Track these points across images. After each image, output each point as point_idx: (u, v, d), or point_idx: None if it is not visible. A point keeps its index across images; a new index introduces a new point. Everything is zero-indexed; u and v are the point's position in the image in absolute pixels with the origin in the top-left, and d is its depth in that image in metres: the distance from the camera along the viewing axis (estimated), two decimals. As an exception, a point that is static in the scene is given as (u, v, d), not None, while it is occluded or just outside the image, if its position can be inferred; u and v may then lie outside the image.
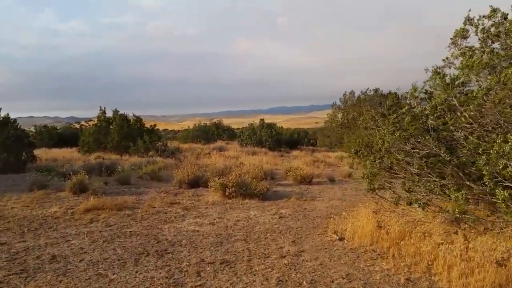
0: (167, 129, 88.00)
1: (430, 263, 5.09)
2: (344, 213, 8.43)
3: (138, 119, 25.58)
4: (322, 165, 18.17)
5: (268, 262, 5.57)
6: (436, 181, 5.85)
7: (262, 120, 33.99)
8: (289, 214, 8.66)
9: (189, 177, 11.66)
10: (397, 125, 6.18)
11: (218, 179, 10.62)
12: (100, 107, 26.30)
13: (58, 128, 39.30)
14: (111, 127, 24.63)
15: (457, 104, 5.74)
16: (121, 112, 25.60)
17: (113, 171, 13.81)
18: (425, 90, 7.13)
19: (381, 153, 6.72)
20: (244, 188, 10.10)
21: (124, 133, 24.00)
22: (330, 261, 5.57)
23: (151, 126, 27.00)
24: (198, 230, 7.29)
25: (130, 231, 7.27)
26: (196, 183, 11.82)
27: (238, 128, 54.36)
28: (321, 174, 14.93)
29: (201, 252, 6.03)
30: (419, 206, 5.68)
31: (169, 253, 6.03)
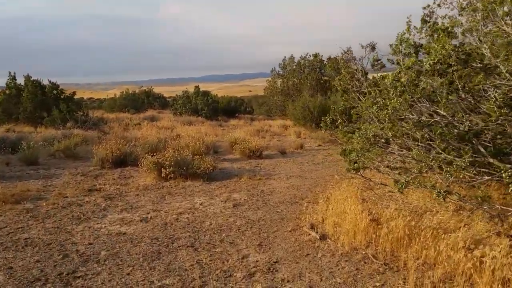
0: (92, 98, 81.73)
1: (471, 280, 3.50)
2: (310, 196, 6.76)
3: (55, 86, 22.04)
4: (268, 135, 16.48)
5: (231, 287, 3.70)
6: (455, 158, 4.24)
7: (197, 87, 31.48)
8: (244, 200, 6.80)
9: (114, 154, 9.34)
10: (403, 86, 4.43)
11: (151, 156, 8.46)
12: (9, 72, 22.38)
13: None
14: (22, 95, 21.00)
15: (490, 55, 4.08)
16: (35, 78, 21.92)
17: (19, 148, 11.01)
18: (413, 42, 5.46)
19: (375, 123, 5.00)
20: (184, 168, 8.06)
21: (38, 102, 20.53)
22: (321, 280, 3.82)
23: (70, 93, 23.59)
24: (124, 233, 5.20)
25: (25, 239, 5.02)
26: (123, 161, 9.55)
27: (170, 97, 51.11)
28: (269, 146, 13.21)
29: (128, 274, 4.01)
30: (438, 196, 4.03)
31: (78, 277, 3.95)
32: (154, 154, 8.73)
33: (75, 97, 23.53)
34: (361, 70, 6.00)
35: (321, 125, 6.48)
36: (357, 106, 6.11)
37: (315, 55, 28.23)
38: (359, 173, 5.55)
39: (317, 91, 25.32)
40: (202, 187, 7.70)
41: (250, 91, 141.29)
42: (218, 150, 12.42)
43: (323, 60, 28.27)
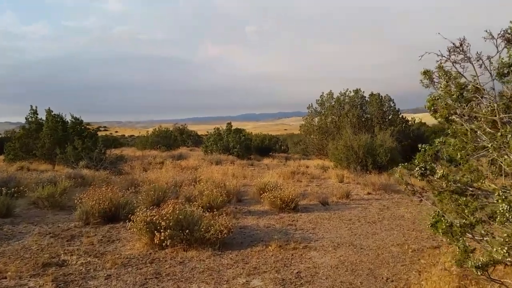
0: (124, 135, 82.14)
1: None
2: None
3: (78, 121, 20.53)
4: (304, 178, 13.84)
5: None
6: None
7: (229, 124, 29.46)
8: (270, 293, 4.20)
9: (102, 206, 6.99)
10: None
11: (150, 209, 6.07)
12: (31, 106, 21.11)
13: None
14: (42, 130, 19.53)
15: None
16: (56, 113, 20.50)
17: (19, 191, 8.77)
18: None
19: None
20: (187, 231, 5.59)
21: (58, 137, 18.92)
22: None
23: (93, 129, 22.02)
24: None
25: None
26: (115, 215, 7.18)
27: (205, 135, 49.60)
28: (307, 193, 10.59)
29: None
30: None
31: None
32: (155, 206, 6.35)
33: (108, 134, 21.99)
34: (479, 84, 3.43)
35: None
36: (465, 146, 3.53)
37: (356, 91, 25.70)
38: (487, 274, 2.96)
39: (358, 129, 22.57)
40: (209, 262, 5.14)
41: (286, 129, 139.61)
42: (242, 198, 9.89)
43: (365, 97, 25.69)
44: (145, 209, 6.14)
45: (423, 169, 3.54)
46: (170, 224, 5.60)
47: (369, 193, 10.91)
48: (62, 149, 16.42)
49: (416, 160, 3.67)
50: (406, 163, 4.05)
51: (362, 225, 7.33)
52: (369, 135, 15.78)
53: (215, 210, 7.70)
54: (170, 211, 5.77)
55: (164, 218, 5.62)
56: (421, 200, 4.14)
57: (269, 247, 5.72)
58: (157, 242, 5.45)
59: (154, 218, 5.67)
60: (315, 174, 15.02)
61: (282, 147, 41.14)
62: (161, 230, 5.48)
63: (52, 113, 20.22)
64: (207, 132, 33.15)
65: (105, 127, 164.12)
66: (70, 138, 18.84)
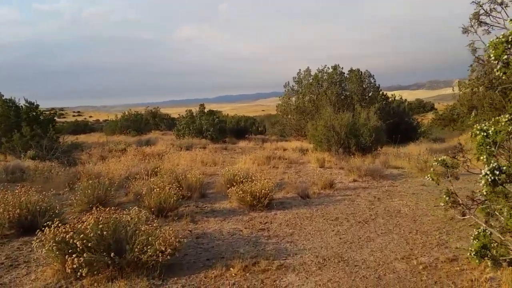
0: (98, 120, 79.13)
1: None
2: None
3: (32, 106, 18.31)
4: (281, 164, 12.26)
5: None
6: None
7: (202, 105, 27.59)
8: None
9: (12, 214, 5.24)
10: None
11: (83, 214, 4.37)
12: (-21, 91, 18.75)
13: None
14: (-10, 117, 17.31)
15: None
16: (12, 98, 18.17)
17: None
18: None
19: None
20: (115, 251, 3.94)
21: (10, 124, 16.78)
22: None
23: (50, 114, 19.85)
24: None
25: None
26: (32, 225, 5.44)
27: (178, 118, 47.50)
28: (283, 182, 9.03)
29: None
30: None
31: None
32: (99, 207, 4.64)
33: (80, 119, 19.82)
34: None
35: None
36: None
37: (335, 67, 24.15)
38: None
39: (338, 108, 21.07)
40: (141, 303, 3.52)
41: (263, 110, 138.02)
42: (207, 193, 8.22)
43: (344, 73, 24.18)
44: (76, 214, 4.44)
45: (496, 172, 1.90)
46: (90, 244, 3.93)
47: (355, 180, 9.41)
48: (9, 137, 14.36)
49: (477, 153, 2.04)
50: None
51: (352, 226, 5.80)
52: (351, 113, 14.28)
53: (168, 212, 6.06)
54: (91, 224, 4.09)
55: (81, 235, 3.95)
56: (464, 214, 2.56)
57: (231, 270, 4.13)
58: (69, 270, 3.79)
59: (67, 236, 3.99)
60: (293, 158, 13.46)
61: (259, 129, 39.55)
62: (76, 254, 3.82)
63: (3, 98, 17.96)
64: (179, 115, 31.22)
65: (78, 112, 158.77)
66: (23, 125, 16.72)
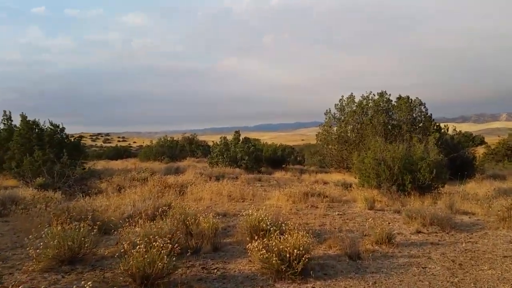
0: (141, 145, 79.77)
1: None
2: None
3: (57, 129, 17.33)
4: (321, 202, 10.14)
5: None
6: None
7: (237, 132, 25.99)
8: None
9: None
10: None
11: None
12: (4, 111, 18.10)
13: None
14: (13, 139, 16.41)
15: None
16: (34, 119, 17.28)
17: None
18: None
19: None
20: None
21: (30, 147, 15.73)
22: None
23: (75, 138, 18.83)
24: None
25: None
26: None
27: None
28: (324, 230, 6.95)
29: None
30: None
31: None
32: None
33: (124, 144, 18.76)
34: None
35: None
36: None
37: (381, 94, 21.90)
38: None
39: (385, 138, 18.71)
40: None
41: (303, 140, 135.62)
42: (222, 244, 6.22)
43: (391, 100, 21.86)
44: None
45: None
46: None
47: (418, 231, 7.14)
48: (19, 161, 13.17)
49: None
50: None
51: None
52: (406, 144, 12.00)
53: (156, 280, 4.15)
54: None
55: None
56: None
57: None
58: None
59: None
60: (336, 196, 11.28)
61: (298, 158, 37.44)
62: None
63: (26, 119, 17.10)
64: (213, 142, 29.79)
65: (123, 137, 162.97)
66: (46, 148, 15.61)
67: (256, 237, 5.47)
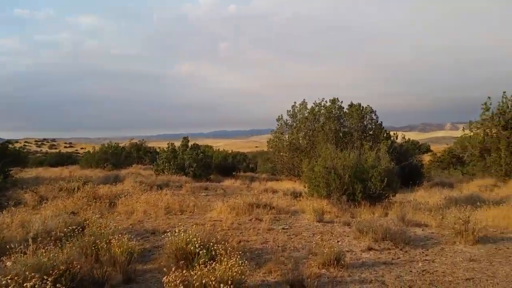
0: (89, 151, 75.63)
1: None
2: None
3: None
4: (267, 214, 9.24)
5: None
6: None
7: (185, 139, 24.74)
8: None
9: None
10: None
11: None
12: None
13: None
14: None
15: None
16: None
17: None
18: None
19: None
20: None
21: None
22: None
23: (2, 144, 16.91)
24: None
25: None
26: None
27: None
28: (266, 249, 6.04)
29: None
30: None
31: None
32: None
33: (70, 151, 16.87)
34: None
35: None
36: None
37: (333, 101, 21.55)
38: None
39: (336, 146, 18.25)
40: None
41: (257, 146, 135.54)
42: (140, 272, 5.13)
43: (343, 107, 21.57)
44: None
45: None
46: None
47: (370, 248, 6.38)
48: None
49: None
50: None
51: None
52: (356, 152, 11.41)
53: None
54: None
55: None
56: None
57: None
58: None
59: None
60: (283, 207, 10.43)
61: (250, 166, 36.67)
62: None
63: None
64: (158, 148, 28.38)
65: (70, 143, 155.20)
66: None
67: (182, 263, 4.47)
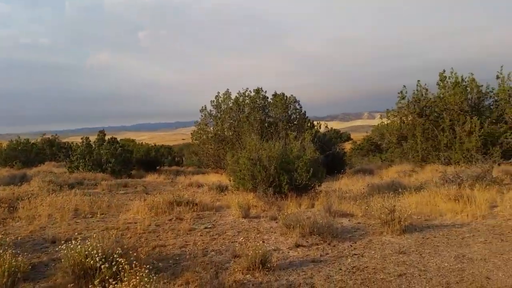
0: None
1: None
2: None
3: None
4: (189, 212, 8.54)
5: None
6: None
7: (101, 133, 22.95)
8: None
9: None
10: None
11: None
12: None
13: None
14: None
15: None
16: None
17: None
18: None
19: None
20: None
21: None
22: None
23: None
24: None
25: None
26: None
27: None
28: (185, 253, 5.35)
29: None
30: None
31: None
32: None
33: None
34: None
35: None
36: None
37: (257, 90, 21.22)
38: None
39: (261, 136, 17.92)
40: None
41: (184, 139, 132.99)
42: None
43: (267, 97, 21.34)
44: None
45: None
46: None
47: (298, 245, 5.97)
48: None
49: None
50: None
51: None
52: (281, 142, 11.07)
53: None
54: None
55: None
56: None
57: None
58: None
59: None
60: (207, 203, 9.76)
61: (176, 159, 35.42)
62: None
63: None
64: (76, 143, 26.26)
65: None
66: None
67: (83, 279, 3.64)
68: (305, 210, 8.85)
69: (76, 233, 6.85)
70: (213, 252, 5.64)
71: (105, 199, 10.92)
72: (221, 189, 12.81)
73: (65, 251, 4.48)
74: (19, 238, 6.47)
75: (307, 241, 6.17)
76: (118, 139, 29.41)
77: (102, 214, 8.89)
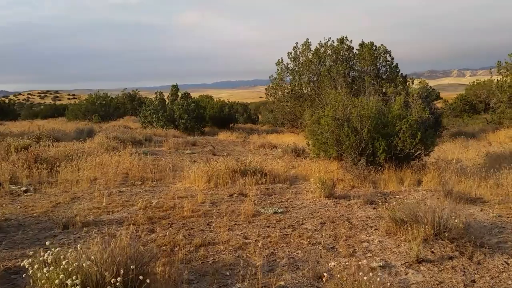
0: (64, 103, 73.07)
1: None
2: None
3: None
4: (255, 186, 6.58)
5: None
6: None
7: (174, 87, 21.76)
8: None
9: None
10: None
11: None
12: None
13: None
14: None
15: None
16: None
17: None
18: None
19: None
20: None
21: None
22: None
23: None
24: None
25: None
26: None
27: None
28: (240, 264, 3.37)
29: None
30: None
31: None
32: None
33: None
34: None
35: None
36: None
37: (341, 40, 18.24)
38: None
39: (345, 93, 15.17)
40: None
41: (261, 97, 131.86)
42: None
43: (353, 47, 18.30)
44: None
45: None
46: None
47: (420, 260, 3.69)
48: None
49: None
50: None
51: None
52: (376, 98, 8.50)
53: None
54: None
55: None
56: None
57: None
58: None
59: None
60: (280, 173, 7.67)
61: (252, 117, 33.81)
62: None
63: None
64: (145, 98, 25.57)
65: (73, 95, 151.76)
66: None
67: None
68: (411, 190, 6.43)
69: (106, 212, 5.19)
70: (282, 263, 3.57)
71: (165, 161, 9.38)
72: (297, 153, 10.69)
73: (39, 274, 2.67)
74: (34, 214, 4.97)
75: (433, 251, 3.84)
76: (197, 96, 28.39)
77: (154, 181, 7.26)
